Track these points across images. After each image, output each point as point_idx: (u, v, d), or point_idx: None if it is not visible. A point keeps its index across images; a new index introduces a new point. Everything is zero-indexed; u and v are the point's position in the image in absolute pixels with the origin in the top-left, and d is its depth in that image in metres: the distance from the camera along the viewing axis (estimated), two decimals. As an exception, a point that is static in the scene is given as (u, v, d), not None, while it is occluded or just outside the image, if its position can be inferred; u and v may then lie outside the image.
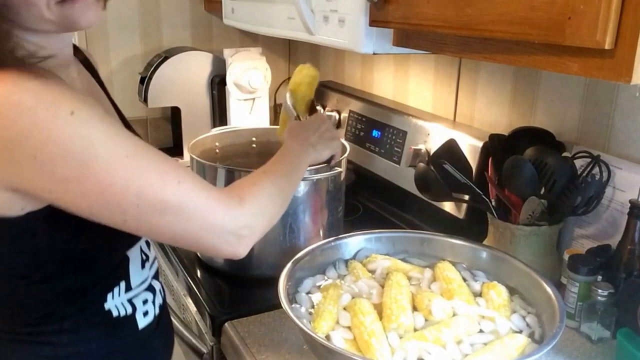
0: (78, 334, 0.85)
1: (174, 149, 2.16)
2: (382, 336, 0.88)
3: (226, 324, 1.12)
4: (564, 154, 1.20)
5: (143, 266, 0.94)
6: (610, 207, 1.14)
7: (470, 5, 0.81)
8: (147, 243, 0.97)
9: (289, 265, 1.00)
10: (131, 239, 0.90)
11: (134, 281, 0.91)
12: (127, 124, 1.01)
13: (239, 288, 1.28)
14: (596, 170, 1.12)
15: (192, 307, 1.27)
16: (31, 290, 0.81)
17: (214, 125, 2.03)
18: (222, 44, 2.17)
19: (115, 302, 0.88)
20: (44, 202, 0.73)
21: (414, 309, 0.95)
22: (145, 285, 0.94)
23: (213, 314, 1.16)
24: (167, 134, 2.23)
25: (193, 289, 1.27)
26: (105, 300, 0.87)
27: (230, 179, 1.22)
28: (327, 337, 0.90)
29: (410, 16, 0.93)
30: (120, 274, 0.89)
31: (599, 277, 1.05)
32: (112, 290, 0.88)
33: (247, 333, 1.08)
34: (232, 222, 0.80)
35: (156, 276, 1.00)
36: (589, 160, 1.14)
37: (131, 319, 0.91)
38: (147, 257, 0.96)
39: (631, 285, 0.97)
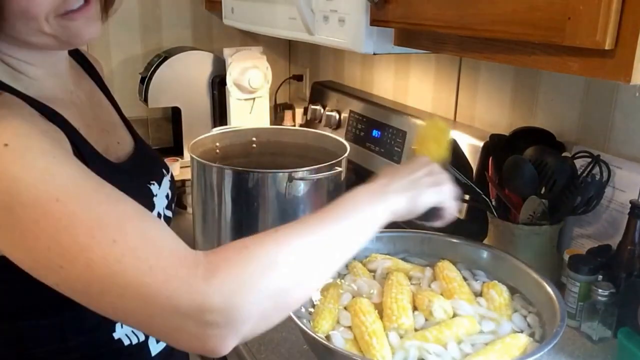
0: None
1: (175, 149, 2.16)
2: (383, 336, 0.88)
3: (226, 323, 1.12)
4: (564, 154, 1.20)
5: None
6: (610, 207, 1.14)
7: (471, 5, 0.81)
8: None
9: (289, 265, 1.00)
10: None
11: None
12: (128, 125, 0.98)
13: (240, 288, 1.28)
14: (596, 170, 1.12)
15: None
16: (40, 325, 0.77)
17: (214, 125, 2.03)
18: (222, 43, 2.17)
19: (125, 331, 0.82)
20: None
21: (415, 309, 0.95)
22: None
23: (213, 313, 1.16)
24: (168, 133, 2.22)
25: (193, 288, 1.27)
26: (114, 330, 0.81)
27: (230, 179, 1.23)
28: (327, 337, 0.90)
29: (411, 16, 0.93)
30: None
31: (600, 277, 1.05)
32: None
33: (247, 333, 1.08)
34: (189, 302, 0.57)
35: None
36: (589, 160, 1.14)
37: (143, 346, 0.84)
38: None
39: (632, 285, 0.97)
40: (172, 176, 0.96)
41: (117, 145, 0.89)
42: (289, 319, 0.86)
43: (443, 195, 0.85)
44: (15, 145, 0.59)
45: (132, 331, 0.83)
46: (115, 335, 0.81)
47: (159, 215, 0.88)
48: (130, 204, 0.63)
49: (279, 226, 0.68)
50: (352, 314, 0.93)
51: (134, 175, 0.87)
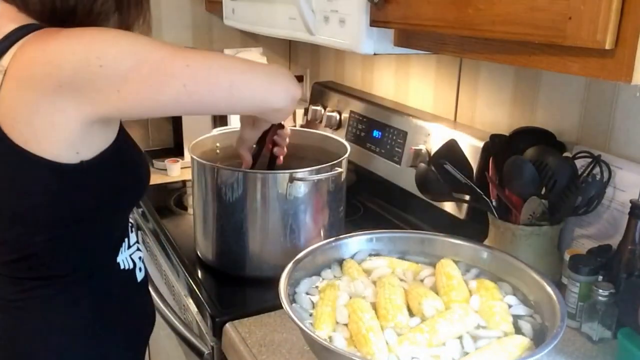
0: (97, 282, 0.95)
1: (175, 150, 2.16)
2: (380, 332, 0.88)
3: (227, 324, 1.12)
4: (565, 154, 1.20)
5: (132, 230, 1.04)
6: (610, 207, 1.14)
7: (471, 5, 0.81)
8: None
9: (290, 265, 1.00)
10: (135, 200, 1.04)
11: (131, 240, 1.02)
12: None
13: (240, 288, 1.28)
14: (597, 170, 1.12)
15: (193, 308, 1.27)
16: (63, 244, 0.89)
17: (215, 126, 2.03)
18: (223, 44, 2.17)
19: (123, 257, 0.99)
20: (112, 115, 0.82)
21: (409, 310, 0.96)
22: (136, 246, 1.05)
23: (214, 314, 1.16)
24: (168, 134, 2.23)
25: (194, 289, 1.27)
26: (117, 254, 0.98)
27: (231, 180, 1.23)
28: (329, 338, 0.90)
29: (411, 16, 0.93)
30: (125, 232, 1.00)
31: (600, 277, 1.05)
32: (122, 245, 0.99)
33: (247, 333, 1.08)
34: (287, 92, 0.96)
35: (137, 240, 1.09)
36: (589, 160, 1.14)
37: (132, 272, 1.02)
38: (132, 223, 1.06)
39: (632, 285, 0.97)
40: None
41: None
42: (290, 319, 0.86)
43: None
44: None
45: (126, 258, 1.00)
46: (118, 259, 0.98)
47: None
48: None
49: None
50: (350, 311, 0.93)
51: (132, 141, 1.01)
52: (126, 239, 1.01)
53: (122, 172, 0.92)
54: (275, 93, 0.93)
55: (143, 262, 1.07)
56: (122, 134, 0.91)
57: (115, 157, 0.88)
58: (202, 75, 0.82)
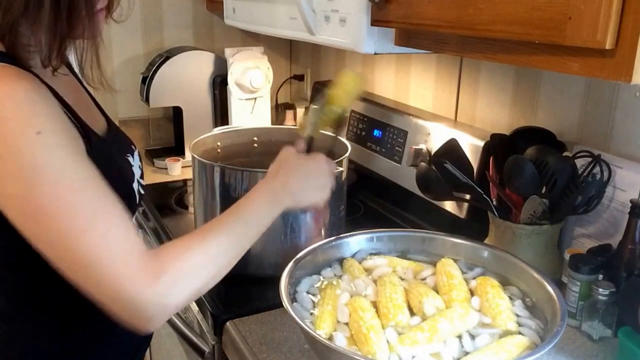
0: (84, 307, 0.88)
1: (176, 149, 2.16)
2: (381, 331, 0.88)
3: (227, 323, 1.12)
4: (565, 154, 1.20)
5: None
6: (610, 206, 1.14)
7: (471, 5, 0.81)
8: (135, 219, 1.01)
9: (290, 264, 1.00)
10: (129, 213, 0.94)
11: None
12: (97, 105, 1.04)
13: (240, 287, 1.28)
14: (597, 169, 1.13)
15: (194, 306, 1.27)
16: (25, 274, 0.85)
17: (216, 125, 2.03)
18: (223, 43, 2.18)
19: None
20: None
21: (410, 309, 0.96)
22: None
23: (214, 313, 1.16)
24: (169, 133, 2.23)
25: (195, 288, 1.27)
26: None
27: (231, 179, 1.23)
28: (330, 337, 0.90)
29: (412, 16, 0.93)
30: None
31: (600, 276, 1.05)
32: None
33: (248, 332, 1.08)
34: (140, 298, 0.72)
35: None
36: (589, 159, 1.14)
37: None
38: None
39: (632, 284, 0.97)
40: (138, 151, 1.06)
41: (96, 122, 0.96)
42: (291, 318, 0.87)
43: (320, 199, 0.98)
44: (46, 135, 0.72)
45: None
46: None
47: (137, 182, 0.99)
48: (116, 204, 0.75)
49: (216, 219, 0.85)
50: (351, 309, 0.93)
51: (116, 148, 0.98)
52: None
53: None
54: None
55: None
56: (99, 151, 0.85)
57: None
58: (60, 258, 0.74)
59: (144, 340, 1.08)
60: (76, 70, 0.99)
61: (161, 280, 0.73)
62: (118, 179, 0.90)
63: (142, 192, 1.01)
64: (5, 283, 0.87)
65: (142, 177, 1.03)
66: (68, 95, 0.86)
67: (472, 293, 1.00)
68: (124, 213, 0.76)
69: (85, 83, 0.99)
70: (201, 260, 0.78)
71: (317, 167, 0.98)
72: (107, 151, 0.90)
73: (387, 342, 0.87)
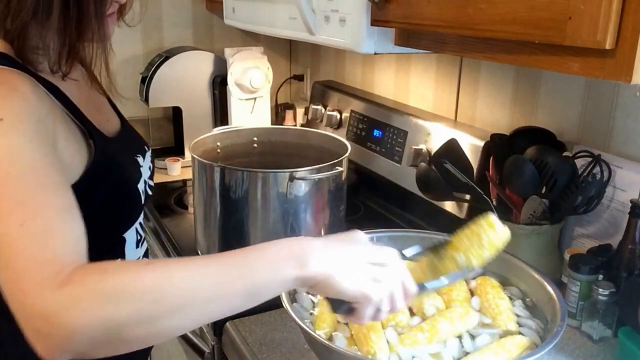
0: None
1: (176, 149, 2.16)
2: (380, 331, 0.88)
3: (227, 323, 1.12)
4: (565, 154, 1.20)
5: (137, 245, 0.98)
6: (610, 206, 1.14)
7: (471, 5, 0.81)
8: (141, 223, 1.01)
9: (290, 264, 1.00)
10: (128, 222, 0.93)
11: (129, 259, 0.95)
12: (112, 105, 1.04)
13: (241, 287, 1.28)
14: (597, 169, 1.13)
15: (194, 307, 1.27)
16: None
17: (215, 125, 2.03)
18: (223, 43, 2.17)
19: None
20: None
21: (410, 309, 0.96)
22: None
23: (214, 313, 1.16)
24: (169, 133, 2.23)
25: (194, 288, 1.27)
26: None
27: (231, 179, 1.23)
28: (329, 337, 0.90)
29: (412, 16, 0.93)
30: (116, 254, 0.92)
31: (600, 276, 1.05)
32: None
33: (248, 332, 1.08)
34: (32, 303, 0.59)
35: (146, 254, 1.04)
36: (589, 159, 1.14)
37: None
38: (142, 236, 1.00)
39: (632, 284, 0.97)
40: (151, 152, 1.06)
41: (107, 122, 0.97)
42: (290, 318, 0.86)
43: (371, 294, 0.69)
44: (8, 122, 0.68)
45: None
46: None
47: (144, 182, 0.98)
48: (61, 202, 0.68)
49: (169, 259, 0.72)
50: None
51: (124, 148, 0.97)
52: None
53: (104, 196, 0.84)
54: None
55: None
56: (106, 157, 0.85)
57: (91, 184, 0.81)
58: None
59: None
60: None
61: (66, 287, 0.59)
62: (120, 178, 0.90)
63: (150, 192, 1.01)
64: None
65: (151, 177, 1.02)
66: (77, 96, 0.86)
67: (472, 293, 1.00)
68: (68, 214, 0.68)
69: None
70: (127, 286, 0.61)
71: (384, 254, 0.74)
72: (111, 151, 0.89)
73: (387, 342, 0.87)
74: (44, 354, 0.60)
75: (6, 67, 0.76)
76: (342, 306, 0.71)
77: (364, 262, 0.70)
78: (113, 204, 0.88)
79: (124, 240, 0.94)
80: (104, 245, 0.88)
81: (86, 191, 0.79)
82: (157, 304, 0.61)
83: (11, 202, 0.64)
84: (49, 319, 0.58)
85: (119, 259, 0.93)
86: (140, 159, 0.99)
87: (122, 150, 0.96)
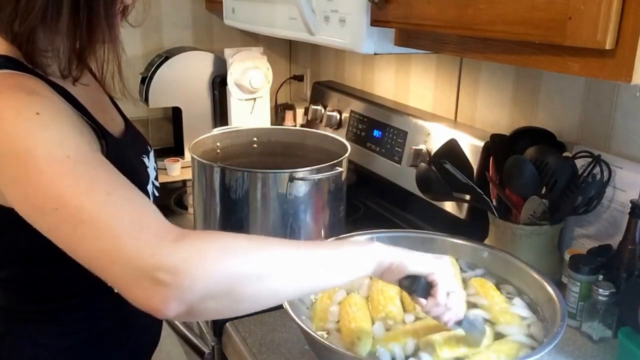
0: (86, 311, 0.90)
1: (175, 149, 2.16)
2: (365, 321, 0.89)
3: (227, 324, 1.12)
4: (565, 154, 1.20)
5: None
6: (610, 206, 1.14)
7: (471, 5, 0.81)
8: None
9: (290, 265, 1.00)
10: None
11: None
12: (116, 105, 1.04)
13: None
14: (597, 170, 1.12)
15: (194, 307, 1.27)
16: (42, 270, 0.84)
17: (215, 126, 2.03)
18: (223, 43, 2.17)
19: None
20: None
21: (404, 307, 0.96)
22: None
23: (214, 313, 1.16)
24: (168, 134, 2.23)
25: (194, 288, 1.27)
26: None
27: (231, 180, 1.23)
28: (325, 334, 0.90)
29: (411, 16, 0.93)
30: None
31: (600, 277, 1.05)
32: None
33: (248, 333, 1.08)
34: (149, 258, 0.61)
35: None
36: (589, 160, 1.14)
37: None
38: None
39: (632, 285, 0.97)
40: (154, 152, 1.05)
41: (112, 121, 0.95)
42: (290, 319, 0.86)
43: (434, 267, 0.79)
44: (45, 114, 0.69)
45: None
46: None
47: (152, 184, 0.98)
48: (121, 176, 0.71)
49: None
50: (341, 308, 0.94)
51: (131, 148, 0.96)
52: None
53: None
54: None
55: None
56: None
57: None
58: (63, 228, 0.67)
59: (151, 344, 1.07)
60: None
61: (183, 241, 0.63)
62: (131, 180, 0.87)
63: (157, 194, 1.00)
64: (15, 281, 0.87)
65: (156, 178, 1.02)
66: (85, 97, 0.85)
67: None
68: (134, 188, 0.70)
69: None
70: (242, 242, 0.67)
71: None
72: (122, 152, 0.88)
73: (373, 337, 0.88)
74: (158, 307, 0.61)
75: (18, 72, 0.75)
76: (419, 283, 0.79)
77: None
78: None
79: None
80: None
81: None
82: (265, 263, 0.67)
83: (83, 180, 0.66)
84: (174, 268, 0.61)
85: None
86: (145, 160, 0.98)
87: (130, 150, 0.95)
